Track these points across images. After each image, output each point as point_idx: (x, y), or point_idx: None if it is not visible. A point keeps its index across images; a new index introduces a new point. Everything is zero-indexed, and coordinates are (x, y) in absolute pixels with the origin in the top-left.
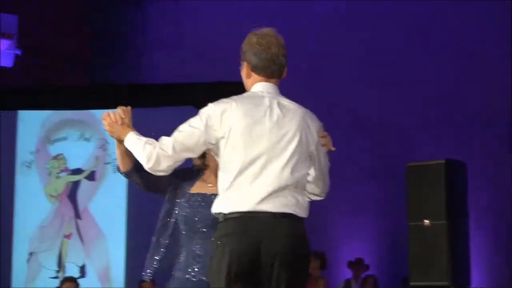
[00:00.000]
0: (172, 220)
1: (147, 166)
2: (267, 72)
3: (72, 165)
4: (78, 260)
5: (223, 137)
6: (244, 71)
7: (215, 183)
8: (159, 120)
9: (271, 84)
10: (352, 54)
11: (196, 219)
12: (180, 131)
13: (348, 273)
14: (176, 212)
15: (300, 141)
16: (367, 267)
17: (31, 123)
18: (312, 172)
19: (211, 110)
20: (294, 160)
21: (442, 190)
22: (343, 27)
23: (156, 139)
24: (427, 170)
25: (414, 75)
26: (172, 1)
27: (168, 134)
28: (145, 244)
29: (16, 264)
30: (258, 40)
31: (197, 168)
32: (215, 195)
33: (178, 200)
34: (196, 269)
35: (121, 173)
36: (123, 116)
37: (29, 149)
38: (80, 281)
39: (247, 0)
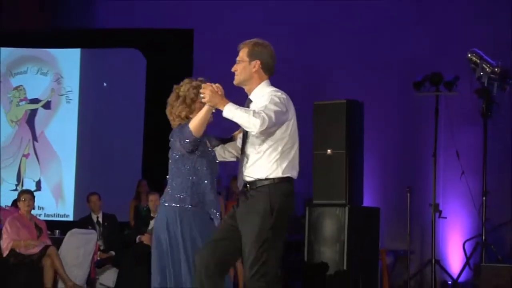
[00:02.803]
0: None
1: (261, 127)
2: (272, 73)
3: (31, 95)
4: (34, 176)
5: (290, 119)
6: (254, 67)
7: None
8: (107, 59)
9: None
10: None
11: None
12: (273, 109)
13: None
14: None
15: None
16: None
17: None
18: None
19: (286, 98)
20: None
21: (343, 125)
22: None
23: (107, 88)
24: (330, 108)
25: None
26: None
27: (118, 72)
28: (92, 165)
29: None
30: (271, 48)
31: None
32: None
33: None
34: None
35: (194, 137)
36: (222, 89)
37: None
38: (36, 193)
39: None
